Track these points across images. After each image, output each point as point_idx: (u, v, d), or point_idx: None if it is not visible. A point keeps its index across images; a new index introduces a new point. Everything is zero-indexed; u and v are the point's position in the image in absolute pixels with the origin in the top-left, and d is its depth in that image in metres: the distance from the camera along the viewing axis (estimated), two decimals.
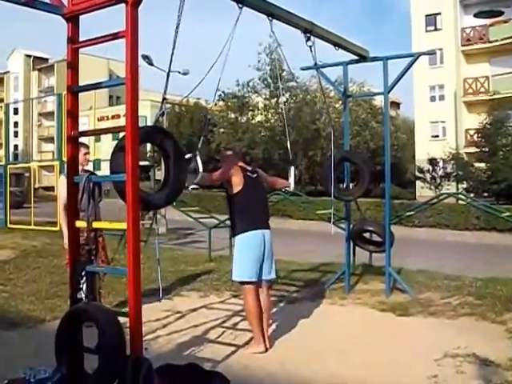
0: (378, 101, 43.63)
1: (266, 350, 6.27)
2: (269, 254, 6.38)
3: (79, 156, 7.09)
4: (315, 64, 8.24)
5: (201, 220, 15.35)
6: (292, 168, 6.83)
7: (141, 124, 4.36)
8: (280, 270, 10.88)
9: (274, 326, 7.29)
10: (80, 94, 4.75)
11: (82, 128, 4.81)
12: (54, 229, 18.83)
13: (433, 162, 39.28)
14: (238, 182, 6.25)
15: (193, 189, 5.94)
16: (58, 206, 7.59)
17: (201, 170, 5.78)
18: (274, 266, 6.53)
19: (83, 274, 4.62)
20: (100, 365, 4.16)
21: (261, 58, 42.36)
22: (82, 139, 4.96)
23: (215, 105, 49.88)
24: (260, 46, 41.48)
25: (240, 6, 5.96)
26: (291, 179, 6.86)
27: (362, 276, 10.74)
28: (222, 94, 45.51)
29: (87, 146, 7.66)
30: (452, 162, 38.51)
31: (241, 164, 6.49)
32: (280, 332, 7.04)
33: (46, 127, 74.16)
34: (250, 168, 6.54)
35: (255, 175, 6.49)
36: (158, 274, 6.20)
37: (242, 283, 6.30)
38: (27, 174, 41.97)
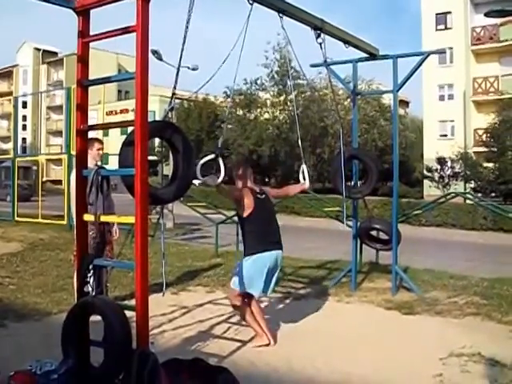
0: (387, 99, 43.58)
1: (269, 342, 6.33)
2: (276, 273, 6.44)
3: (93, 150, 7.11)
4: (325, 61, 8.22)
5: (208, 215, 15.36)
6: (304, 166, 6.86)
7: (149, 119, 4.36)
8: (287, 266, 10.90)
9: (280, 323, 7.31)
10: (89, 88, 4.76)
11: (90, 122, 4.82)
12: (61, 222, 18.89)
13: (441, 161, 39.21)
14: (248, 205, 6.26)
15: (200, 184, 5.92)
16: (71, 200, 7.61)
17: (223, 171, 5.80)
18: (273, 284, 6.55)
19: (90, 267, 4.63)
20: (106, 358, 4.18)
21: (268, 56, 42.31)
22: (90, 133, 4.96)
23: (222, 103, 49.96)
24: (268, 45, 41.42)
25: (251, 2, 5.95)
26: (306, 177, 6.88)
27: (368, 274, 10.74)
28: (228, 91, 45.50)
29: (101, 142, 7.68)
30: (460, 161, 38.43)
31: (250, 186, 6.46)
32: (286, 328, 7.06)
33: (54, 121, 74.27)
34: (258, 190, 6.51)
35: (263, 196, 6.49)
36: (163, 268, 6.21)
37: (236, 291, 6.34)
38: (35, 168, 42.12)
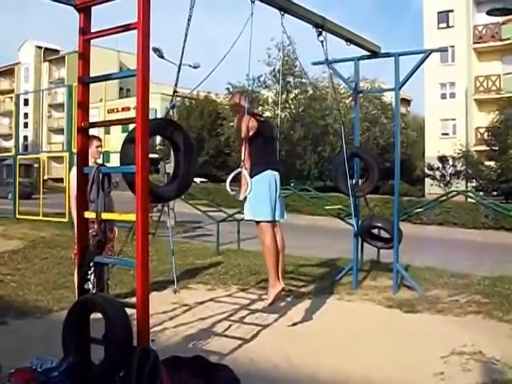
0: (388, 97, 43.59)
1: (283, 286, 6.41)
2: (279, 195, 6.45)
3: (91, 148, 7.07)
4: (326, 59, 8.21)
5: (209, 213, 15.36)
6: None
7: (151, 116, 4.36)
8: (288, 264, 10.89)
9: (281, 320, 7.31)
10: (90, 86, 4.75)
11: (92, 120, 4.81)
12: (62, 220, 18.89)
13: (443, 159, 39.19)
14: (252, 127, 6.28)
15: (202, 182, 6.02)
16: (70, 197, 7.63)
17: (250, 183, 5.98)
18: (283, 208, 6.61)
19: (91, 264, 4.63)
20: (106, 355, 4.17)
21: (271, 53, 42.21)
22: (91, 131, 4.96)
23: (224, 99, 50.06)
24: (272, 41, 41.24)
25: (252, 0, 5.94)
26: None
27: (369, 272, 10.74)
28: (231, 88, 45.52)
29: (100, 139, 7.67)
30: (462, 159, 38.41)
31: (251, 111, 6.51)
32: (287, 326, 7.05)
33: (55, 118, 74.24)
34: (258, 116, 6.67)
35: (263, 119, 6.68)
36: (173, 266, 6.26)
37: (259, 223, 6.29)
38: (36, 165, 42.05)
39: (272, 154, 6.58)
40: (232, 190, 6.19)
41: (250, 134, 6.25)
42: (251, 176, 6.16)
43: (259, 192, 6.17)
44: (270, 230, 6.26)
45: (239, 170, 6.02)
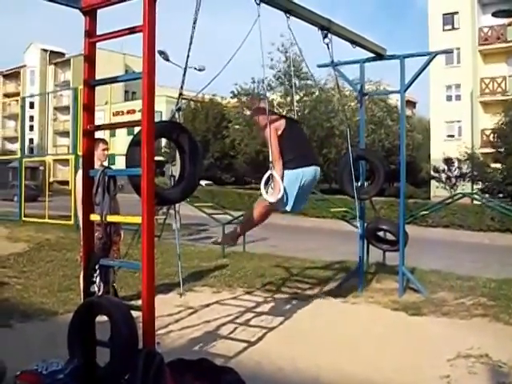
0: (394, 99, 43.51)
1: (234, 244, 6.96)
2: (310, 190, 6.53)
3: (98, 151, 7.07)
4: (332, 61, 8.19)
5: (214, 216, 15.35)
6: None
7: (156, 119, 4.36)
8: (293, 267, 10.90)
9: (286, 323, 7.31)
10: (96, 89, 4.75)
11: (97, 123, 4.81)
12: (67, 222, 18.92)
13: (448, 161, 39.13)
14: (281, 124, 6.28)
15: (207, 184, 6.01)
16: (77, 200, 7.65)
17: (281, 186, 5.94)
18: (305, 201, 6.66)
19: (97, 267, 4.62)
20: (112, 358, 4.17)
21: (273, 57, 42.17)
22: (97, 134, 4.95)
23: (228, 103, 50.15)
24: (272, 46, 41.16)
25: (258, 2, 5.94)
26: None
27: (375, 275, 10.72)
28: (236, 91, 45.56)
29: (106, 142, 7.69)
30: (467, 162, 38.32)
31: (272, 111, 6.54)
32: (292, 329, 7.05)
33: (61, 121, 74.44)
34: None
35: (288, 116, 6.68)
36: (179, 268, 6.26)
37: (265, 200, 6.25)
38: (42, 168, 42.25)
39: (307, 147, 6.62)
40: (266, 193, 6.13)
41: (280, 132, 6.23)
42: (293, 166, 6.16)
43: (293, 186, 6.16)
44: (269, 209, 6.25)
45: (269, 172, 5.99)
